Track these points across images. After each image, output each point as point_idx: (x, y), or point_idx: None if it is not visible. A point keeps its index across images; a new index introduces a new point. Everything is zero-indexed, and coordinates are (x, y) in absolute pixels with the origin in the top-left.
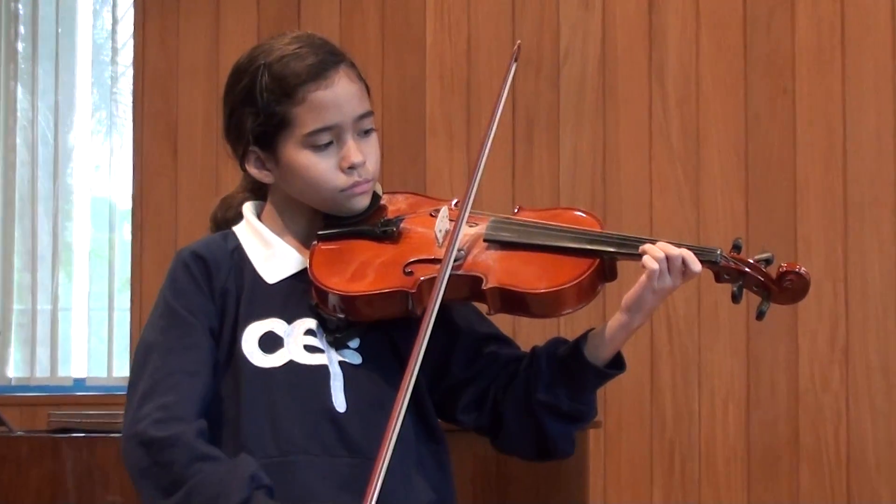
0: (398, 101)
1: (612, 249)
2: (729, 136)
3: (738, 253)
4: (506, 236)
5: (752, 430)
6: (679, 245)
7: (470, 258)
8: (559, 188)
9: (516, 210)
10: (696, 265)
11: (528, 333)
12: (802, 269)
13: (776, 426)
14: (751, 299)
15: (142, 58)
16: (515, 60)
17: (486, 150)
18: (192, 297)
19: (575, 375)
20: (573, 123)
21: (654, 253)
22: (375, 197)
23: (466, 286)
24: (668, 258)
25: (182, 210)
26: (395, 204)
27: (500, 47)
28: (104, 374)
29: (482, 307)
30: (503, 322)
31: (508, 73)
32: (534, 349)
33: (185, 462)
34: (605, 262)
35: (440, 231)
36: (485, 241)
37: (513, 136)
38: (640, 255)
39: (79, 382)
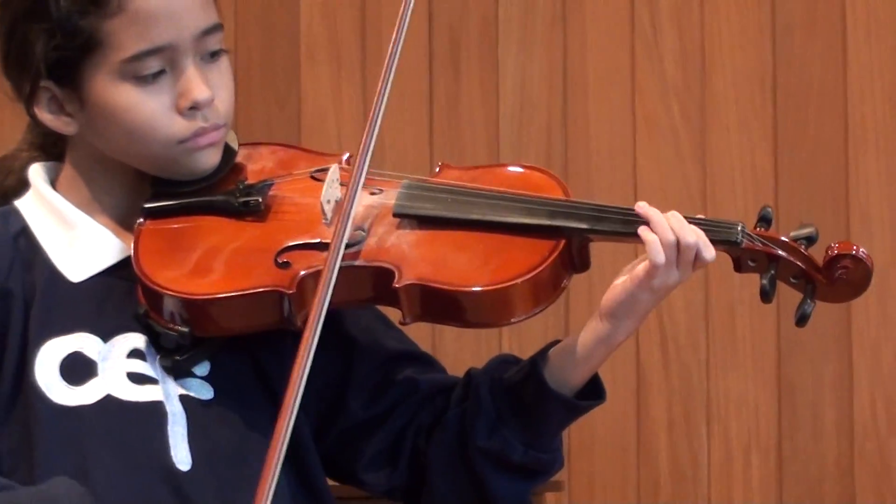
0: (259, 11)
1: (584, 226)
2: (748, 58)
3: (767, 228)
4: (426, 208)
5: (785, 490)
6: (689, 220)
7: (374, 241)
8: (499, 137)
9: (438, 169)
10: (707, 250)
11: (454, 351)
12: (861, 250)
13: (821, 485)
14: (782, 296)
15: None
16: None
17: (391, 76)
18: None
19: (532, 410)
20: (518, 42)
21: (665, 234)
22: (229, 152)
23: (369, 283)
24: (679, 243)
25: None
26: (257, 161)
27: None
28: None
29: (392, 313)
30: (420, 333)
31: None
32: (469, 374)
33: None
34: (575, 245)
35: (328, 201)
36: (395, 215)
37: (429, 61)
38: (627, 234)
39: None
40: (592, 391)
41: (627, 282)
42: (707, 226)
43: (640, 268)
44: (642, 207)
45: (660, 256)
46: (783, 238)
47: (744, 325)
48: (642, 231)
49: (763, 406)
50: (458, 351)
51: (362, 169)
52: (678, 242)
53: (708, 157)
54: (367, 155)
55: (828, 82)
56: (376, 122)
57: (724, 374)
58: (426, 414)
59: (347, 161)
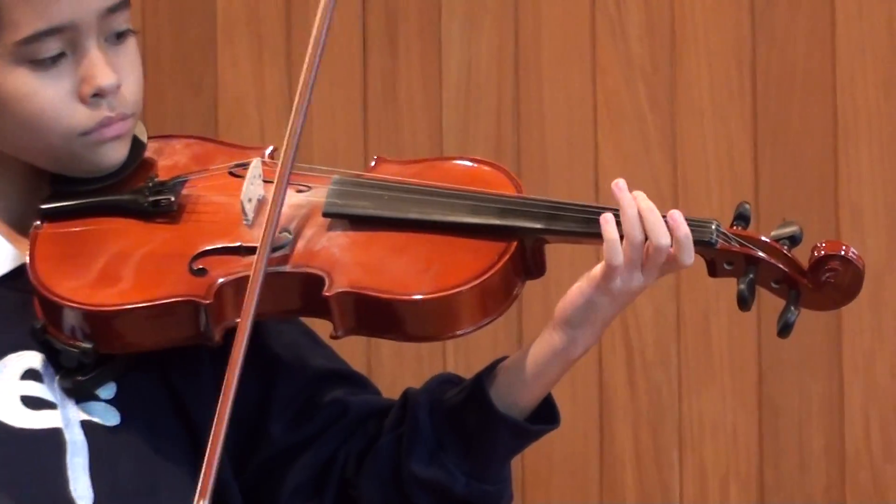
0: None
1: (539, 225)
2: (724, 35)
3: (746, 227)
4: (360, 207)
5: None
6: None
7: (301, 244)
8: (442, 125)
9: (373, 163)
10: (687, 254)
11: (392, 371)
12: (851, 251)
13: None
14: (764, 304)
15: None
16: None
17: (318, 57)
18: None
19: (477, 435)
20: (464, 16)
21: (632, 232)
22: (137, 145)
23: (296, 291)
24: (649, 245)
25: None
26: (169, 156)
27: None
28: None
29: (322, 326)
30: (353, 350)
31: None
32: (406, 394)
33: None
34: (528, 248)
35: (249, 200)
36: (325, 215)
37: (363, 38)
38: (586, 235)
39: None
40: (545, 414)
41: (584, 284)
42: None
43: (598, 268)
44: (619, 187)
45: (617, 258)
46: (763, 238)
47: (720, 338)
48: (604, 223)
49: (742, 430)
50: (396, 370)
51: (290, 161)
52: (647, 243)
53: (679, 147)
54: (294, 146)
55: (814, 62)
56: (304, 108)
57: (698, 394)
58: (357, 440)
59: (271, 155)
